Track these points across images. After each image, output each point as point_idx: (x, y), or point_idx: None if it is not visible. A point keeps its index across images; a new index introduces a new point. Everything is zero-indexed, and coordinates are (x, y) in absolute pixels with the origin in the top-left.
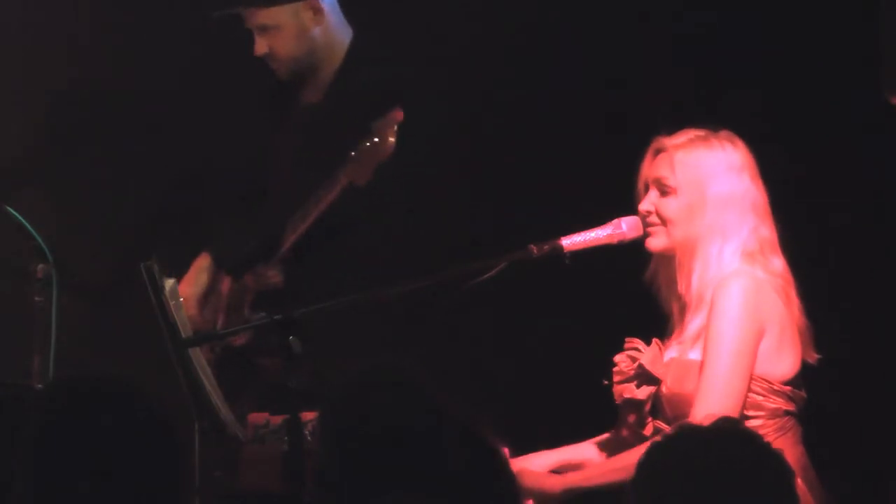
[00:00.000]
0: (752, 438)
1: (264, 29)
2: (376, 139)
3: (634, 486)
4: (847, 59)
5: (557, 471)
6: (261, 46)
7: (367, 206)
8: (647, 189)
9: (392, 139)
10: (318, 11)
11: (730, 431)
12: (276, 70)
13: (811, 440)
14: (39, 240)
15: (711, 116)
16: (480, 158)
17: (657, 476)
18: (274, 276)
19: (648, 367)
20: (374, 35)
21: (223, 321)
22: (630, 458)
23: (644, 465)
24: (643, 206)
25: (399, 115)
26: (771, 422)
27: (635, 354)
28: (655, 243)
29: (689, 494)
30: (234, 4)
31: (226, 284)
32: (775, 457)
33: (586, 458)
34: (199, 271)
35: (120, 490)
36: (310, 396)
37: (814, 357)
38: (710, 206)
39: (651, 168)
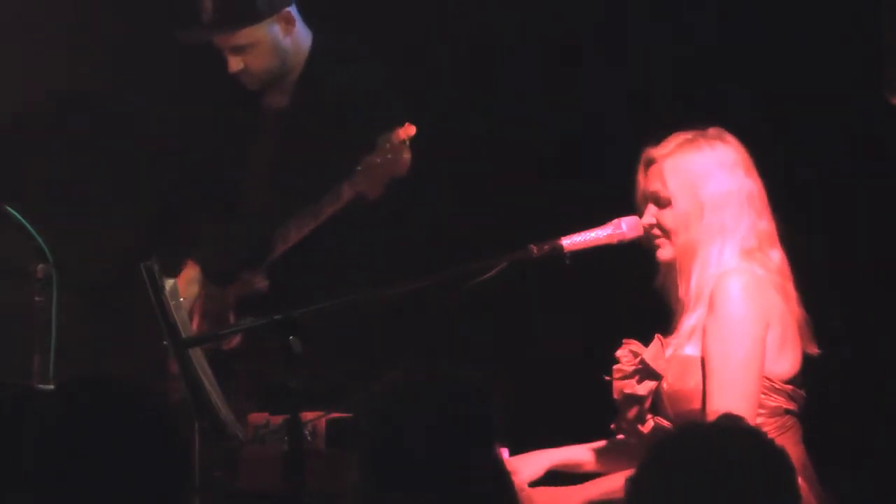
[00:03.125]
0: (756, 436)
1: (240, 49)
2: (389, 156)
3: (635, 484)
4: (847, 59)
5: (559, 470)
6: (235, 64)
7: (363, 208)
8: (645, 203)
9: (407, 156)
10: (289, 21)
11: (733, 429)
12: (247, 83)
13: (812, 439)
14: (39, 240)
15: (711, 116)
16: (480, 158)
17: (659, 474)
18: (259, 281)
19: (650, 362)
20: (336, 36)
21: (206, 327)
22: None
23: (646, 463)
24: (644, 220)
25: (411, 129)
26: (772, 420)
27: (637, 350)
28: (664, 254)
29: (691, 492)
30: (211, 29)
31: (209, 291)
32: (779, 454)
33: (589, 459)
34: (189, 282)
35: (120, 490)
36: (310, 396)
37: (815, 350)
38: (706, 207)
39: (645, 182)
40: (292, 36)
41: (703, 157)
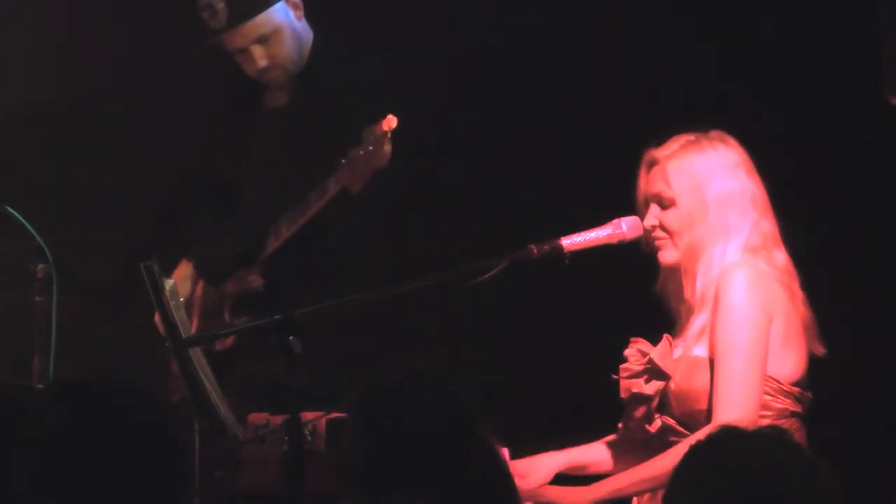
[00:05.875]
0: (803, 452)
1: (264, 39)
2: (371, 148)
3: (674, 486)
4: (847, 59)
5: (565, 472)
6: (261, 58)
7: (360, 207)
8: (647, 204)
9: (388, 147)
10: (297, 7)
11: (777, 439)
12: (273, 78)
13: (812, 440)
14: (39, 240)
15: (711, 117)
16: (480, 158)
17: (703, 476)
18: (254, 280)
19: (658, 362)
20: (336, 34)
21: (199, 326)
22: (662, 467)
23: (688, 463)
24: (647, 222)
25: (393, 121)
26: (778, 423)
27: (645, 349)
28: (667, 257)
29: (732, 498)
30: (231, 25)
31: (200, 289)
32: (825, 472)
33: (595, 460)
34: (183, 280)
35: (120, 490)
36: (310, 396)
37: (821, 350)
38: (710, 208)
39: (647, 183)
40: (302, 23)
41: (707, 158)
